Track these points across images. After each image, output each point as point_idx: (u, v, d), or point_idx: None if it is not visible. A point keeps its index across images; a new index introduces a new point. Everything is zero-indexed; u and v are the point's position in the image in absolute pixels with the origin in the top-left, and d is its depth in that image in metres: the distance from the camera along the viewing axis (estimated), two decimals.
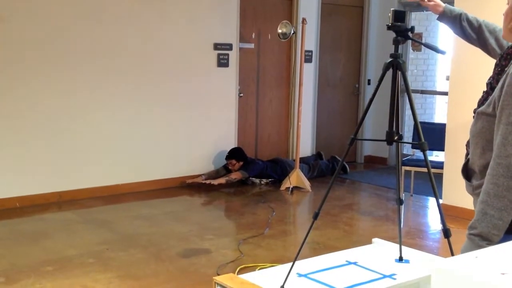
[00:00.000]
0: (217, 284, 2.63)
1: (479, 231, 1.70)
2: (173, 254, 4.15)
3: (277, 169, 6.49)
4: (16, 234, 4.58)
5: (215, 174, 6.36)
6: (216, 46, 6.41)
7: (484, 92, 1.90)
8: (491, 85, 1.86)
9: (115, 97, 5.80)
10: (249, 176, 6.37)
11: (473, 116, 1.91)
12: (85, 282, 3.59)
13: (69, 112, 5.53)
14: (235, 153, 6.37)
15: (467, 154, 1.95)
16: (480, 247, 1.66)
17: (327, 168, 6.91)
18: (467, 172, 1.91)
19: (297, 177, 6.25)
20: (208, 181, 6.12)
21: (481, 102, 1.88)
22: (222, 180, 6.19)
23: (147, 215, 5.21)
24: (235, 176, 6.27)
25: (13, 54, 5.17)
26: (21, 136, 5.28)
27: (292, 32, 6.13)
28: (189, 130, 6.35)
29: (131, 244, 4.34)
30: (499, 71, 1.82)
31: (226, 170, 6.41)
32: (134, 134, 5.96)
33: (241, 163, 6.36)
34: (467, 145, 1.96)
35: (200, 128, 6.43)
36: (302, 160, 6.72)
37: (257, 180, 6.43)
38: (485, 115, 1.79)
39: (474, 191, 1.85)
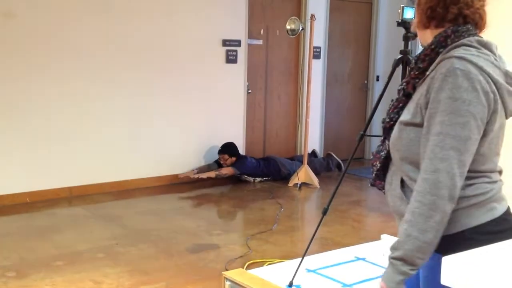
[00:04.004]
0: (227, 279, 2.64)
1: (401, 254, 1.50)
2: (182, 249, 4.18)
3: (270, 168, 6.43)
4: (26, 229, 4.62)
5: (206, 169, 6.32)
6: (225, 43, 6.42)
7: (395, 100, 1.70)
8: (404, 91, 1.66)
9: (124, 93, 5.82)
10: (240, 173, 6.30)
11: (385, 127, 1.71)
12: (95, 276, 3.62)
13: (79, 108, 5.56)
14: (227, 148, 6.29)
15: (380, 169, 1.73)
16: (402, 273, 1.50)
17: (321, 166, 6.80)
18: (404, 190, 1.64)
19: (305, 173, 6.25)
20: (197, 175, 6.09)
21: (393, 111, 1.68)
22: (212, 174, 6.12)
23: (156, 210, 5.23)
24: (226, 171, 6.21)
25: (25, 49, 5.20)
26: (31, 131, 5.32)
27: (300, 28, 6.12)
28: (197, 126, 6.36)
29: (140, 239, 4.37)
30: (416, 74, 1.63)
31: (218, 165, 6.38)
32: (143, 130, 5.98)
33: (234, 158, 6.29)
34: (379, 157, 1.73)
35: (208, 124, 6.44)
36: (296, 158, 6.69)
37: (251, 179, 6.35)
38: (412, 125, 1.57)
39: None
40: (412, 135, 1.57)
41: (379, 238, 3.56)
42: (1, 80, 5.13)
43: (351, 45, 7.71)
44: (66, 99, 5.48)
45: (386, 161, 1.72)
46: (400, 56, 2.74)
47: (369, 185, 1.79)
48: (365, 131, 2.85)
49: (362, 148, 7.93)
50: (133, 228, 4.68)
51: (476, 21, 1.61)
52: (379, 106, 2.91)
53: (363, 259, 3.04)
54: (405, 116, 1.61)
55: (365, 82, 7.90)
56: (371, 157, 1.81)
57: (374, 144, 7.99)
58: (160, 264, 3.87)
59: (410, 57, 2.71)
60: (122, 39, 5.74)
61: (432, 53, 1.60)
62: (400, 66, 2.76)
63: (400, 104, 1.67)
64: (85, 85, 5.58)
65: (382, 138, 1.75)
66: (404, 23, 2.69)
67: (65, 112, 5.49)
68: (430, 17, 1.63)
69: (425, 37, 1.67)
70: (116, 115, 5.80)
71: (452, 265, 1.28)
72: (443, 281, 1.30)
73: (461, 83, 1.47)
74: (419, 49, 8.18)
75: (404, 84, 1.67)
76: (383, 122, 1.72)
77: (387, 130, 1.70)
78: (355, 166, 7.30)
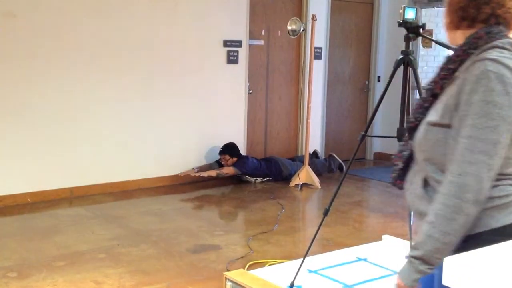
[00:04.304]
0: (228, 279, 2.64)
1: (421, 254, 1.52)
2: (183, 249, 4.18)
3: (272, 168, 6.43)
4: (27, 230, 4.62)
5: (208, 168, 6.32)
6: (226, 43, 6.42)
7: (421, 100, 1.69)
8: (432, 91, 1.65)
9: (126, 94, 5.83)
10: (241, 173, 6.30)
11: (409, 127, 1.70)
12: (96, 277, 3.62)
13: (80, 108, 5.56)
14: (229, 149, 6.30)
15: (402, 169, 1.73)
16: (419, 271, 1.53)
17: (322, 167, 6.81)
18: (427, 189, 1.64)
19: (306, 174, 6.25)
20: (198, 174, 6.10)
21: (418, 111, 1.67)
22: (212, 173, 6.13)
23: (157, 211, 5.24)
24: (227, 171, 6.22)
25: (25, 50, 5.20)
26: (32, 132, 5.32)
27: (301, 29, 6.12)
28: (198, 127, 6.37)
29: (141, 240, 4.37)
30: (445, 75, 1.61)
31: (219, 165, 6.38)
32: (144, 131, 5.98)
33: (235, 159, 6.29)
34: (405, 157, 1.72)
35: (209, 125, 6.44)
36: (298, 158, 6.69)
37: (252, 179, 6.35)
38: (439, 126, 1.57)
39: None
40: (440, 136, 1.57)
41: (380, 239, 3.56)
42: (1, 81, 5.13)
43: (352, 46, 7.71)
44: (66, 99, 5.48)
45: (409, 161, 1.71)
46: (401, 56, 2.74)
47: (391, 184, 1.80)
48: (366, 131, 2.85)
49: (364, 148, 7.93)
50: (134, 228, 4.68)
51: (508, 21, 1.59)
52: (380, 107, 2.91)
53: (365, 259, 3.04)
54: (433, 116, 1.60)
55: (366, 82, 7.90)
56: (393, 156, 1.80)
57: (375, 144, 8.00)
58: (161, 264, 3.88)
59: (411, 58, 2.71)
60: (122, 39, 5.74)
61: (464, 54, 1.59)
62: (402, 67, 2.76)
63: (426, 104, 1.66)
64: (86, 86, 5.58)
65: (405, 137, 1.74)
66: (405, 24, 2.69)
67: (66, 112, 5.49)
68: (461, 18, 1.61)
69: (455, 38, 1.66)
70: (117, 115, 5.80)
71: (454, 266, 1.28)
72: (444, 282, 1.29)
73: (494, 86, 1.46)
74: (421, 49, 8.17)
75: (432, 84, 1.66)
76: (407, 122, 1.71)
77: (412, 130, 1.69)
78: (356, 167, 7.31)
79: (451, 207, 1.48)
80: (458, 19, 1.62)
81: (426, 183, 1.63)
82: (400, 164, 1.74)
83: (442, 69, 1.64)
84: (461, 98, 1.51)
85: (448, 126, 1.55)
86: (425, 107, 1.66)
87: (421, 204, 1.61)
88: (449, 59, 1.63)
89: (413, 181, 1.68)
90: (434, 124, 1.58)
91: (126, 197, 5.67)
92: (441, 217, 1.50)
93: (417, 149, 1.65)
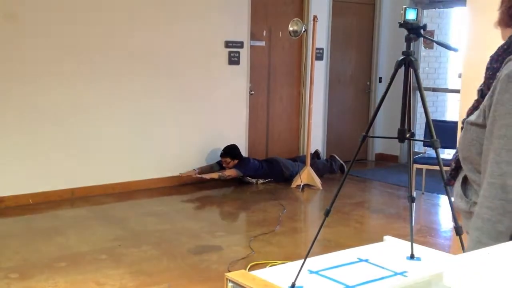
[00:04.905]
0: (229, 280, 2.64)
1: None
2: (185, 250, 4.18)
3: (273, 169, 6.41)
4: (29, 231, 4.63)
5: (209, 169, 6.31)
6: (227, 44, 6.42)
7: (474, 100, 1.71)
8: (482, 92, 1.66)
9: (127, 94, 5.83)
10: (243, 175, 6.29)
11: (461, 128, 1.71)
12: (98, 278, 3.63)
13: (81, 109, 5.57)
14: (230, 151, 6.28)
15: (454, 169, 1.74)
16: None
17: (324, 167, 6.79)
18: (465, 188, 1.67)
19: (307, 175, 6.25)
20: (200, 175, 6.10)
21: (470, 112, 1.68)
22: (214, 175, 6.10)
23: (158, 212, 5.24)
24: (229, 173, 6.19)
25: (27, 51, 5.21)
26: (34, 132, 5.33)
27: (303, 29, 6.12)
28: (200, 128, 6.37)
29: (143, 241, 4.37)
30: (490, 75, 1.63)
31: (220, 166, 6.37)
32: (146, 131, 5.99)
33: (236, 161, 6.28)
34: (457, 160, 1.74)
35: (211, 125, 6.45)
36: (299, 159, 6.68)
37: (253, 180, 6.34)
38: (475, 125, 1.59)
39: (472, 208, 1.63)
40: (474, 135, 1.58)
41: (382, 240, 3.56)
42: (3, 82, 5.14)
43: (353, 47, 7.71)
44: (68, 100, 5.49)
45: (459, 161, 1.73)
46: (402, 57, 2.73)
47: (445, 185, 1.82)
48: (367, 132, 2.85)
49: (365, 149, 7.92)
50: (135, 229, 4.68)
51: None
52: (382, 108, 2.91)
53: (366, 260, 3.03)
54: (473, 116, 1.62)
55: (368, 83, 7.90)
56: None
57: (377, 145, 7.99)
58: (163, 265, 3.88)
59: (412, 59, 2.71)
60: (123, 41, 5.74)
61: (504, 53, 1.60)
62: (403, 68, 2.75)
63: (477, 105, 1.67)
64: (87, 87, 5.59)
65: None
66: (406, 24, 2.68)
67: (68, 113, 5.50)
68: (511, 16, 1.64)
69: (505, 36, 1.68)
70: (119, 116, 5.81)
71: (454, 266, 1.27)
72: (445, 282, 1.29)
73: None
74: (422, 50, 8.17)
75: (481, 85, 1.67)
76: (462, 123, 1.73)
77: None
78: (357, 168, 7.30)
79: (496, 209, 1.46)
80: (508, 18, 1.65)
81: (464, 182, 1.66)
82: (453, 165, 1.75)
83: (487, 69, 1.66)
84: (494, 97, 1.51)
85: (482, 126, 1.55)
86: (475, 107, 1.68)
87: (461, 202, 1.64)
88: (492, 58, 1.66)
89: (458, 179, 1.72)
90: (472, 124, 1.60)
91: (127, 198, 5.67)
92: (487, 221, 1.48)
93: (458, 149, 1.68)
